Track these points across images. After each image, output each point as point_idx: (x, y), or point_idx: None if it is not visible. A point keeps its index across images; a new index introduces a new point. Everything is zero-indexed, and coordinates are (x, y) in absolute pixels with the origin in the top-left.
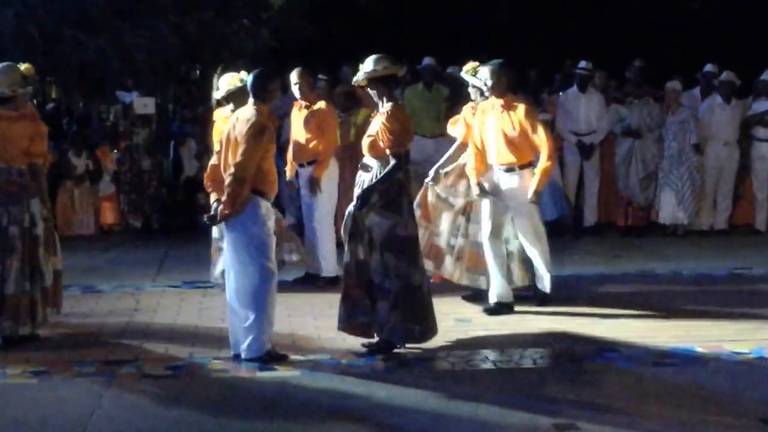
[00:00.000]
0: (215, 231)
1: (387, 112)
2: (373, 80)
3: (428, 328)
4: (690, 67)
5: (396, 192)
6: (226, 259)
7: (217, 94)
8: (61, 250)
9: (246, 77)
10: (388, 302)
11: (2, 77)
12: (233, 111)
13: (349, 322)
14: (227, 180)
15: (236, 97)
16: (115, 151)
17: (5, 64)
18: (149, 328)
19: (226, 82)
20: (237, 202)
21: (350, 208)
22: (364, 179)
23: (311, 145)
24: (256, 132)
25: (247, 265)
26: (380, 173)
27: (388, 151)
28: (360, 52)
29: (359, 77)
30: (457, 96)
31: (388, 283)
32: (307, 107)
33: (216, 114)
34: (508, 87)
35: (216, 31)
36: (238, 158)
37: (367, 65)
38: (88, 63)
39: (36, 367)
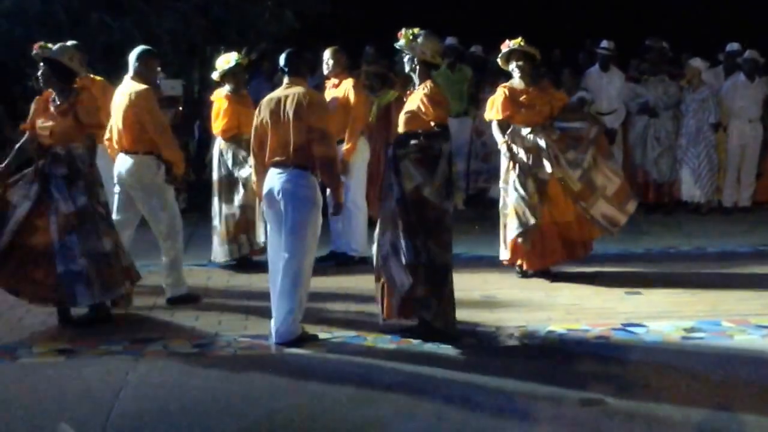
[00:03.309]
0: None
1: (429, 87)
2: (419, 60)
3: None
4: (712, 46)
5: (434, 155)
6: (280, 241)
7: (214, 75)
8: None
9: (238, 58)
10: (420, 281)
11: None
12: (231, 92)
13: (401, 309)
14: (322, 166)
15: (230, 77)
16: None
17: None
18: (176, 307)
19: (220, 63)
20: (340, 180)
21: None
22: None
23: (339, 125)
24: (322, 104)
25: (298, 248)
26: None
27: (432, 123)
28: (382, 33)
29: (411, 51)
30: (481, 76)
31: (416, 256)
32: (335, 86)
33: (214, 95)
34: None
35: (240, 13)
36: (321, 137)
37: (420, 44)
38: (114, 44)
39: (63, 346)
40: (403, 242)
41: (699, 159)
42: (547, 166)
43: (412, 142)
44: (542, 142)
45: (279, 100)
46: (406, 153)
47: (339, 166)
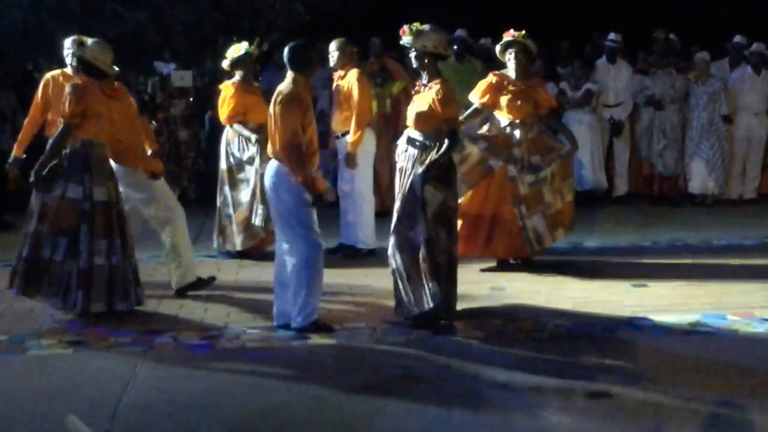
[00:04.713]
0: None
1: (438, 88)
2: (427, 54)
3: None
4: (718, 39)
5: (447, 164)
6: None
7: (224, 63)
8: None
9: (248, 48)
10: (436, 277)
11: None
12: (239, 80)
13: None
14: (282, 158)
15: (240, 65)
16: (153, 122)
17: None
18: (185, 299)
19: (231, 52)
20: (303, 169)
21: (410, 183)
22: (412, 153)
23: (344, 117)
24: (286, 101)
25: (293, 237)
26: (435, 146)
27: (446, 125)
28: (393, 26)
29: (417, 45)
30: (490, 68)
31: (439, 256)
32: (341, 77)
33: (222, 84)
34: None
35: (252, 5)
36: (279, 133)
37: (425, 37)
38: (126, 35)
39: (72, 338)
40: (428, 287)
41: (713, 150)
42: (499, 163)
43: (434, 169)
44: (517, 136)
45: (275, 97)
46: (427, 179)
47: (303, 167)
